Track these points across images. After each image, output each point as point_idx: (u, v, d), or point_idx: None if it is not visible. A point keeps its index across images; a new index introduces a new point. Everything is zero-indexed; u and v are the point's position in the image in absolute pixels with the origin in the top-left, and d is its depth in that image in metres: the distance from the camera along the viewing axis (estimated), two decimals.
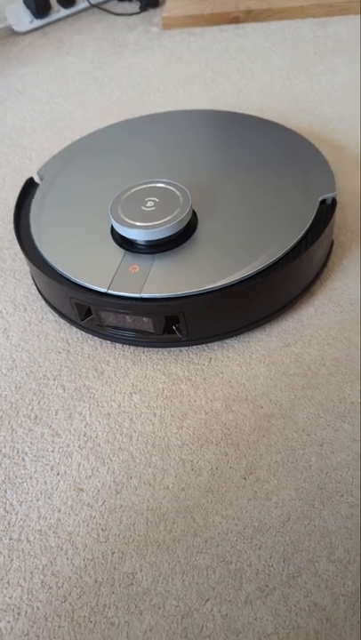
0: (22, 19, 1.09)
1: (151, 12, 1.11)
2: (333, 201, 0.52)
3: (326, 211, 0.51)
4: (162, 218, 0.47)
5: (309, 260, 0.49)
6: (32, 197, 0.56)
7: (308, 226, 0.49)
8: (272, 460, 0.42)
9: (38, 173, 0.60)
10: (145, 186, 0.50)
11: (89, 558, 0.38)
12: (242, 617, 0.35)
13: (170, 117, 0.65)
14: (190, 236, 0.49)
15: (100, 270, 0.47)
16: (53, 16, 1.12)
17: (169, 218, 0.47)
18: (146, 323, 0.47)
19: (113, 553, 0.38)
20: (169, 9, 1.03)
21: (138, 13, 1.11)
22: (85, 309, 0.48)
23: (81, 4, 1.14)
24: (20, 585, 0.37)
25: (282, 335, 0.50)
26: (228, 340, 0.50)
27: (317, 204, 0.51)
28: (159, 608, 0.36)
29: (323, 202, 0.51)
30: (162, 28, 1.04)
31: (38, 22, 1.10)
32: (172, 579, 0.37)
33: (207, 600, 0.36)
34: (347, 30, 0.94)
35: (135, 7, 1.13)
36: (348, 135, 0.71)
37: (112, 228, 0.50)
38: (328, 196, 0.52)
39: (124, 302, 0.45)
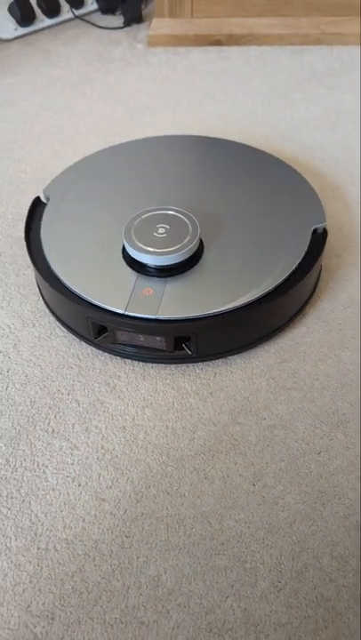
0: (6, 26, 1.09)
1: (135, 28, 1.14)
2: (324, 231, 0.57)
3: (318, 239, 0.56)
4: (173, 245, 0.50)
5: (304, 285, 0.54)
6: (41, 217, 0.58)
7: (303, 255, 0.54)
8: (277, 468, 0.46)
9: (44, 192, 0.62)
10: (156, 212, 0.53)
11: (115, 564, 0.41)
12: (259, 610, 0.39)
13: (168, 141, 0.69)
14: (197, 261, 0.53)
15: (116, 292, 0.50)
16: (37, 25, 1.12)
17: (180, 245, 0.50)
18: (158, 341, 0.50)
19: (138, 558, 0.41)
20: (154, 27, 1.07)
21: (121, 28, 1.14)
22: (100, 328, 0.51)
23: (65, 15, 1.15)
24: (52, 592, 0.40)
25: (279, 352, 0.55)
26: (231, 357, 0.54)
27: (310, 234, 0.56)
28: (184, 607, 0.39)
29: (314, 231, 0.57)
30: (147, 45, 1.07)
31: (22, 30, 1.11)
32: (195, 579, 0.40)
33: (227, 597, 0.40)
34: (321, 60, 1.01)
35: (119, 21, 1.16)
36: (327, 164, 0.77)
37: (124, 252, 0.53)
38: (319, 225, 0.57)
39: (140, 323, 0.48)
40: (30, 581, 0.40)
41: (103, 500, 0.45)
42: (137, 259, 0.51)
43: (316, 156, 0.79)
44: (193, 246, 0.51)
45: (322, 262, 0.62)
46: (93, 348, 0.55)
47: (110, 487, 0.45)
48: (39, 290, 0.59)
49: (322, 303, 0.59)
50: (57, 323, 0.57)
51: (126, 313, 0.48)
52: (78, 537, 0.43)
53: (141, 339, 0.50)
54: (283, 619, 0.39)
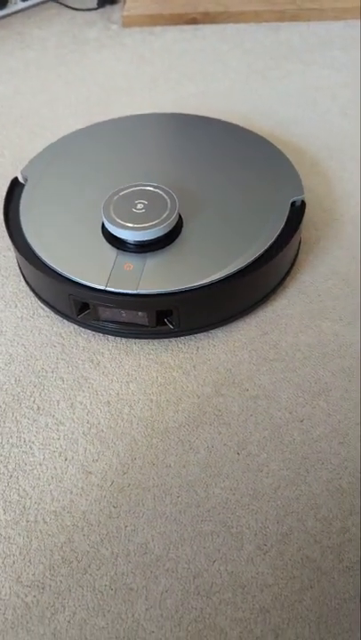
0: None
1: (109, 9, 1.12)
2: (303, 203, 0.57)
3: (296, 212, 0.57)
4: (152, 220, 0.51)
5: (284, 257, 0.54)
6: (19, 198, 0.58)
7: (281, 227, 0.54)
8: (261, 437, 0.47)
9: (22, 173, 0.61)
10: (134, 189, 0.53)
11: (104, 533, 0.42)
12: (246, 573, 0.40)
13: (146, 119, 0.68)
14: (177, 236, 0.53)
15: (97, 268, 0.50)
16: (11, 8, 1.10)
17: (159, 220, 0.50)
18: (140, 316, 0.50)
19: (126, 527, 0.42)
20: (128, 7, 1.05)
21: (95, 9, 1.12)
22: (81, 305, 0.51)
23: None
24: (42, 562, 0.40)
25: (260, 325, 0.55)
26: (213, 331, 0.54)
27: (288, 206, 0.56)
28: (173, 572, 0.40)
29: (293, 203, 0.57)
30: (121, 25, 1.06)
31: None
32: (182, 545, 0.41)
33: (214, 561, 0.40)
34: (298, 36, 1.00)
35: (93, 2, 1.14)
36: (306, 139, 0.77)
37: (103, 229, 0.53)
38: (297, 198, 0.57)
39: (121, 298, 0.49)
40: (20, 553, 0.41)
41: (90, 472, 0.45)
42: (116, 234, 0.51)
43: (294, 132, 0.79)
44: (172, 221, 0.51)
45: (301, 235, 0.63)
46: (76, 326, 0.55)
47: (97, 460, 0.46)
48: (20, 270, 0.59)
49: (302, 276, 0.60)
50: (39, 303, 0.57)
51: (107, 289, 0.49)
52: (66, 509, 0.43)
53: (123, 314, 0.50)
54: (269, 580, 0.40)
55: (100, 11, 1.12)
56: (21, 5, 1.12)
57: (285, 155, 0.62)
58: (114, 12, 1.11)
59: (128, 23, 1.04)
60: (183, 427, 0.48)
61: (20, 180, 0.61)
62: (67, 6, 1.13)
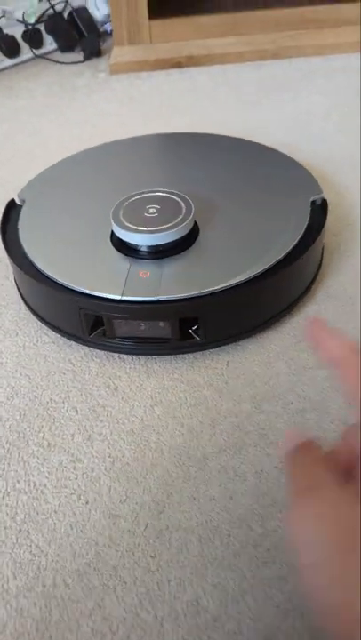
0: None
1: (95, 61, 1.15)
2: (323, 201, 0.53)
3: (319, 210, 0.52)
4: (166, 223, 0.46)
5: (311, 256, 0.49)
6: (17, 219, 0.53)
7: (305, 226, 0.50)
8: None
9: (19, 196, 0.57)
10: (145, 195, 0.49)
11: (142, 592, 0.33)
12: None
13: (148, 140, 0.66)
14: (193, 241, 0.48)
15: (109, 278, 0.44)
16: None
17: (173, 223, 0.46)
18: (162, 328, 0.44)
19: (169, 581, 0.33)
20: (115, 55, 1.07)
21: (82, 62, 1.15)
22: (93, 321, 0.45)
23: (25, 55, 1.16)
24: (67, 638, 0.31)
25: (293, 332, 0.49)
26: (241, 342, 0.48)
27: (309, 205, 0.52)
28: (235, 633, 0.31)
29: (312, 203, 0.53)
30: (109, 73, 1.07)
31: None
32: (243, 597, 0.32)
33: (286, 614, 0.32)
34: (282, 71, 1.02)
35: (79, 57, 1.17)
36: (308, 155, 0.75)
37: (113, 238, 0.48)
38: (317, 197, 0.53)
39: (140, 307, 0.42)
40: (37, 629, 0.32)
41: (118, 516, 0.37)
42: (128, 240, 0.46)
43: (294, 152, 0.76)
44: (188, 223, 0.46)
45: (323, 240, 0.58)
46: (87, 349, 0.48)
47: (125, 500, 0.37)
48: (21, 296, 0.53)
49: (328, 280, 0.54)
50: (43, 329, 0.50)
51: (124, 298, 0.43)
52: (92, 565, 0.34)
53: (142, 326, 0.44)
54: None
55: (86, 63, 1.14)
56: (8, 63, 1.14)
57: (298, 161, 0.59)
58: (100, 62, 1.13)
59: (115, 70, 1.06)
60: (224, 451, 0.40)
61: (17, 202, 0.56)
62: (54, 61, 1.15)
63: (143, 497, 0.38)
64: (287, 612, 0.32)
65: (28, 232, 0.51)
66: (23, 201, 0.56)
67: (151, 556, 0.35)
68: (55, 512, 0.37)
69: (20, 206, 0.55)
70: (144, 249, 0.46)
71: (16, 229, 0.52)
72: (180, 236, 0.46)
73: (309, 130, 0.82)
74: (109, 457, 0.40)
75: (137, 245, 0.46)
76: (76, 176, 0.59)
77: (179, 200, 0.48)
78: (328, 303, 0.52)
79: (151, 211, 0.47)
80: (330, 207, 0.64)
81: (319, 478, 0.22)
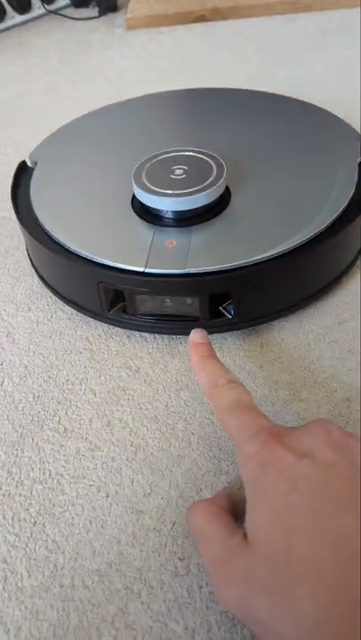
0: None
1: (111, 16, 1.07)
2: None
3: None
4: (195, 185, 0.41)
5: (357, 226, 0.44)
6: (29, 182, 0.48)
7: (352, 191, 0.44)
8: None
9: (30, 158, 0.52)
10: (170, 154, 0.43)
11: (171, 599, 0.30)
12: None
13: (171, 96, 0.60)
14: (225, 208, 0.43)
15: (131, 248, 0.40)
16: (8, 22, 1.06)
17: (203, 186, 0.41)
18: (190, 304, 0.40)
19: (200, 588, 0.30)
20: (132, 9, 1.00)
21: (97, 17, 1.07)
22: (113, 297, 0.41)
23: (37, 11, 1.09)
24: None
25: (336, 311, 0.44)
26: (276, 322, 0.43)
27: (357, 168, 0.46)
28: None
29: (360, 165, 0.47)
30: (126, 28, 1.00)
31: None
32: None
33: None
34: (314, 25, 0.94)
35: (94, 12, 1.09)
36: (348, 112, 0.68)
37: (134, 202, 0.43)
38: None
39: (165, 281, 0.38)
40: (54, 634, 0.29)
41: (142, 512, 0.33)
42: (151, 205, 0.41)
43: (333, 109, 0.70)
44: (219, 186, 0.41)
45: None
46: (106, 327, 0.44)
47: (149, 494, 0.34)
48: (34, 268, 0.49)
49: None
50: (58, 304, 0.46)
51: (147, 270, 0.38)
52: (114, 566, 0.31)
53: (168, 303, 0.40)
54: None
55: (101, 18, 1.07)
56: (19, 19, 1.07)
57: (342, 119, 0.53)
58: (116, 17, 1.06)
59: (133, 25, 0.99)
60: None
61: (29, 164, 0.52)
62: (66, 16, 1.08)
63: (170, 492, 0.34)
64: None
65: (41, 197, 0.46)
66: (35, 163, 0.51)
67: (180, 559, 0.31)
68: (73, 505, 0.34)
69: (32, 169, 0.50)
70: (169, 215, 0.41)
71: (28, 194, 0.47)
72: (211, 200, 0.41)
73: (345, 88, 0.75)
74: (131, 446, 0.36)
75: (162, 211, 0.41)
76: (92, 135, 0.54)
77: (209, 160, 0.43)
78: None
79: (177, 172, 0.42)
80: None
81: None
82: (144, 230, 0.41)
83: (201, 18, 0.98)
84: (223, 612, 0.29)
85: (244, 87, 0.77)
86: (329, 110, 0.55)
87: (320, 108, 0.55)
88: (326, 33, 0.91)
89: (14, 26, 1.07)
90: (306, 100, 0.58)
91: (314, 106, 0.55)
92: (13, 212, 0.47)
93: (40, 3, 1.09)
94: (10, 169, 0.59)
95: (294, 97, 0.58)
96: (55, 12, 1.10)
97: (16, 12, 1.07)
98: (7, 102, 0.81)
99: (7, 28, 1.06)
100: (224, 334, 0.43)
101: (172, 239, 0.40)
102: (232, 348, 0.42)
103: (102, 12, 1.08)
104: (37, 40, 1.00)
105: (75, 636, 0.29)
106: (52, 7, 1.11)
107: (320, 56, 0.84)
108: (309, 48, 0.86)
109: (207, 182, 0.41)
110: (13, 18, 1.07)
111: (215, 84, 0.78)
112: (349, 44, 0.86)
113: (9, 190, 0.49)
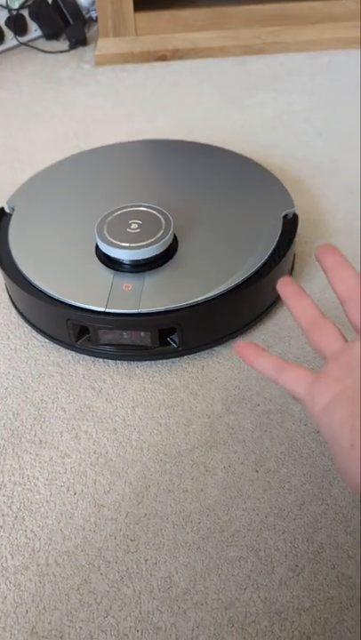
0: None
1: (80, 50, 1.15)
2: (295, 215, 0.57)
3: (290, 224, 0.57)
4: (148, 238, 0.50)
5: (282, 268, 0.54)
6: (7, 227, 0.57)
7: (277, 238, 0.54)
8: (278, 452, 0.45)
9: (8, 204, 0.60)
10: (127, 210, 0.52)
11: (123, 570, 0.39)
12: (280, 598, 0.37)
13: (130, 147, 0.69)
14: (173, 254, 0.52)
15: (94, 290, 0.48)
16: None
17: (154, 238, 0.50)
18: (143, 337, 0.49)
19: (146, 560, 0.39)
20: (100, 47, 1.08)
21: (67, 51, 1.15)
22: (80, 330, 0.49)
23: (9, 43, 1.16)
24: (58, 609, 0.37)
25: (263, 338, 0.54)
26: (216, 348, 0.53)
27: (281, 220, 0.56)
28: (202, 604, 0.37)
29: (285, 217, 0.57)
30: (94, 65, 1.08)
31: None
32: (209, 575, 0.38)
33: (245, 589, 0.38)
34: (265, 67, 1.04)
35: (64, 45, 1.17)
36: (286, 159, 0.79)
37: (97, 250, 0.52)
38: (289, 211, 0.57)
39: (123, 319, 0.47)
40: (33, 600, 0.37)
41: (102, 505, 0.42)
42: (112, 255, 0.50)
43: (274, 153, 0.80)
44: (168, 239, 0.50)
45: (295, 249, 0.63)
46: (74, 354, 0.52)
47: (108, 492, 0.43)
48: (11, 301, 0.57)
49: None
50: (33, 333, 0.55)
51: (107, 310, 0.47)
52: (80, 547, 0.40)
53: (125, 336, 0.48)
54: (305, 603, 0.37)
55: (71, 53, 1.15)
56: None
57: (273, 173, 0.63)
58: (85, 52, 1.14)
59: (100, 62, 1.07)
60: (196, 449, 0.45)
61: (7, 210, 0.60)
62: (38, 49, 1.16)
63: (124, 489, 0.43)
64: (246, 587, 0.38)
65: (18, 241, 0.55)
66: (12, 209, 0.59)
67: (131, 540, 0.40)
68: (47, 502, 0.42)
69: (10, 215, 0.58)
70: (127, 262, 0.50)
71: (7, 237, 0.56)
72: (161, 250, 0.50)
73: (290, 131, 0.85)
74: (95, 453, 0.45)
75: (120, 259, 0.50)
76: (62, 184, 0.62)
77: (159, 215, 0.52)
78: None
79: (133, 226, 0.51)
80: (303, 214, 0.69)
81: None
82: (105, 274, 0.50)
83: (162, 57, 1.08)
84: (163, 578, 0.38)
85: (198, 129, 0.86)
86: (265, 161, 0.65)
87: (256, 163, 0.64)
88: (276, 76, 1.01)
89: None
90: (251, 143, 0.66)
91: (251, 161, 0.65)
92: None
93: (12, 34, 1.16)
94: None
95: (240, 141, 0.67)
96: (27, 45, 1.17)
97: None
98: None
99: None
100: (172, 359, 0.52)
101: (128, 282, 0.49)
102: (179, 371, 0.51)
103: (72, 46, 1.16)
104: (10, 74, 1.07)
105: (49, 601, 0.37)
106: (24, 39, 1.18)
107: (268, 99, 0.94)
108: (260, 91, 0.96)
109: (158, 235, 0.50)
110: None
111: (173, 124, 0.88)
112: (297, 89, 0.96)
113: None
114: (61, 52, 1.14)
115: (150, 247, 0.49)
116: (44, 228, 0.56)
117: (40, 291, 0.49)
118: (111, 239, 0.50)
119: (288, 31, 1.09)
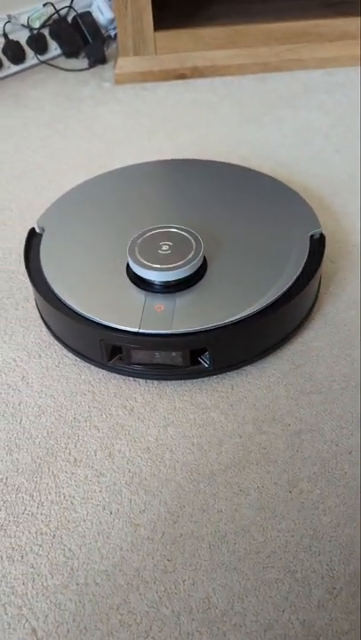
0: None
1: (100, 69, 1.18)
2: (321, 235, 0.58)
3: (317, 244, 0.57)
4: (178, 260, 0.51)
5: (310, 289, 0.55)
6: (38, 247, 0.58)
7: (305, 259, 0.55)
8: (310, 472, 0.45)
9: (38, 224, 0.61)
10: (158, 231, 0.53)
11: (161, 590, 0.39)
12: (318, 620, 0.37)
13: (153, 167, 0.70)
14: (203, 275, 0.53)
15: (127, 311, 0.49)
16: (3, 72, 1.15)
17: (185, 260, 0.51)
18: (174, 357, 0.49)
19: (184, 581, 0.39)
20: (120, 66, 1.10)
21: (87, 69, 1.17)
22: (112, 350, 0.50)
23: (30, 61, 1.18)
24: (99, 628, 0.37)
25: (292, 358, 0.55)
26: (245, 367, 0.54)
27: (308, 240, 0.57)
28: (240, 626, 0.37)
29: (311, 237, 0.58)
30: (114, 83, 1.10)
31: None
32: (246, 596, 0.39)
33: (283, 610, 0.38)
34: (283, 85, 1.06)
35: (84, 63, 1.19)
36: (307, 177, 0.80)
37: (128, 271, 0.53)
38: (316, 231, 0.58)
39: (155, 339, 0.48)
40: (74, 620, 0.38)
41: (138, 525, 0.43)
42: (144, 276, 0.51)
43: (294, 170, 0.81)
44: (198, 260, 0.51)
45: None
46: (105, 373, 0.53)
47: (143, 511, 0.43)
48: (43, 320, 0.58)
49: (325, 307, 0.60)
50: (64, 351, 0.55)
51: (140, 331, 0.48)
52: (118, 567, 0.40)
53: (157, 355, 0.49)
54: (344, 626, 0.37)
55: (91, 71, 1.17)
56: (14, 69, 1.16)
57: (298, 192, 0.64)
58: (105, 71, 1.16)
59: (120, 80, 1.09)
60: (230, 469, 0.46)
61: (37, 230, 0.61)
62: (58, 68, 1.18)
63: (159, 508, 0.43)
64: (284, 609, 0.38)
65: (50, 262, 0.56)
66: (42, 229, 0.61)
67: (168, 560, 0.41)
68: (84, 520, 0.43)
69: (40, 235, 0.60)
70: (158, 283, 0.51)
71: (38, 258, 0.57)
72: (192, 272, 0.51)
73: (309, 148, 0.86)
74: (129, 472, 0.46)
75: (152, 280, 0.51)
76: (89, 205, 0.63)
77: (189, 237, 0.53)
78: (325, 329, 0.57)
79: (164, 247, 0.52)
80: (327, 233, 0.69)
81: None
82: (137, 295, 0.51)
83: (182, 75, 1.10)
84: (201, 599, 0.38)
85: (218, 147, 0.88)
86: (289, 180, 0.66)
87: (279, 182, 0.65)
88: (294, 93, 1.02)
89: (8, 76, 1.16)
90: (271, 161, 0.67)
91: (274, 180, 0.66)
92: (21, 266, 0.56)
93: (33, 53, 1.19)
94: (13, 224, 0.69)
95: (260, 159, 0.68)
96: (47, 63, 1.20)
97: (11, 63, 1.16)
98: (6, 155, 0.90)
99: (3, 78, 1.15)
100: (203, 379, 0.52)
101: (160, 303, 0.50)
102: (209, 390, 0.52)
103: (92, 64, 1.18)
104: (33, 92, 1.09)
105: (90, 620, 0.38)
106: (44, 57, 1.20)
107: (287, 116, 0.95)
108: (279, 108, 0.98)
109: (188, 257, 0.51)
110: (9, 68, 1.16)
111: (193, 142, 0.89)
112: (315, 106, 0.98)
113: (14, 250, 0.58)
114: (81, 70, 1.17)
115: (182, 269, 0.50)
116: (75, 248, 0.57)
117: (73, 311, 0.50)
118: (143, 260, 0.51)
119: (306, 49, 1.10)
